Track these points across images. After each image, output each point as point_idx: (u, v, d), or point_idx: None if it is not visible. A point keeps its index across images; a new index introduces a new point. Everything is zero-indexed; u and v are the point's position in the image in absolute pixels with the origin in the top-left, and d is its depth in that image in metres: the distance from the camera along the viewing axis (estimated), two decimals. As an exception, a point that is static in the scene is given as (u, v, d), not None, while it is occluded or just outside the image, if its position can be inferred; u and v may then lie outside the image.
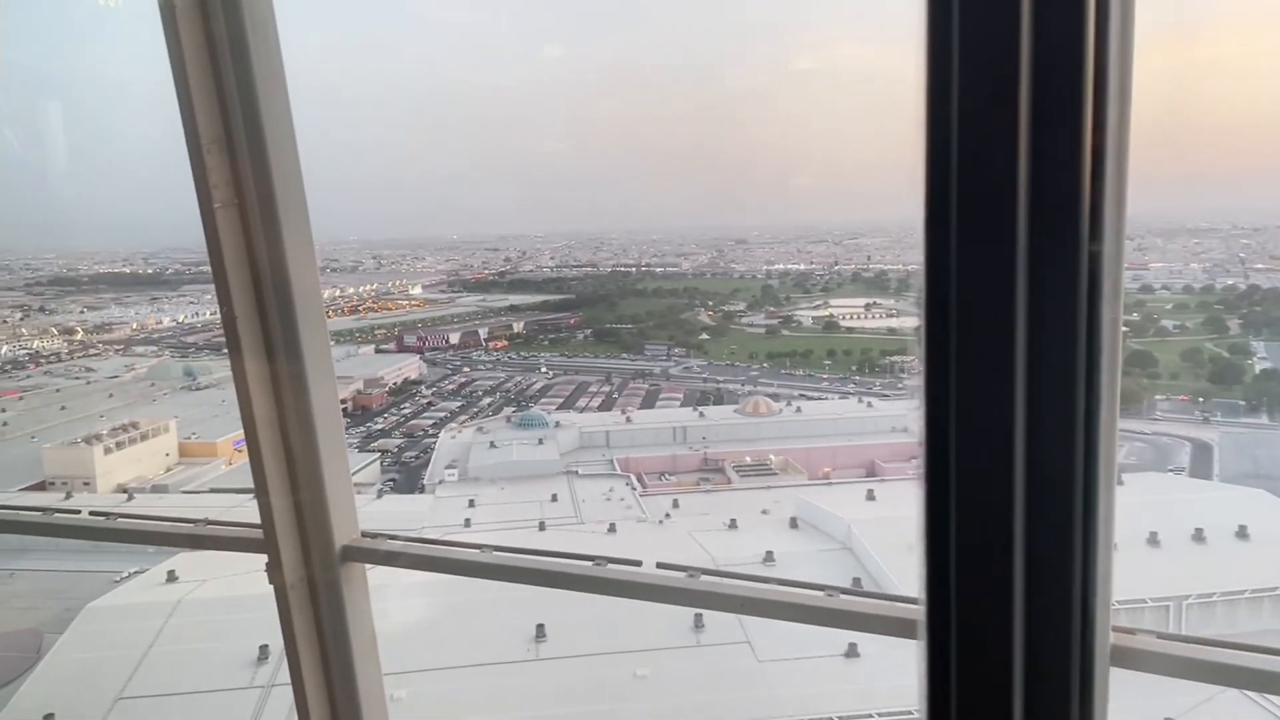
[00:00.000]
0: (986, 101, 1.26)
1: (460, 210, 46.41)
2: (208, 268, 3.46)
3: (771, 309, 35.97)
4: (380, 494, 24.43)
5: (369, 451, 28.32)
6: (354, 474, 3.89)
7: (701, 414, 28.23)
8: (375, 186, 41.38)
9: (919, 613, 2.67)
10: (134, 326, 34.68)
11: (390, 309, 39.13)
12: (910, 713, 9.51)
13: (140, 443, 25.39)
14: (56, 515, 4.40)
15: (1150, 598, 12.44)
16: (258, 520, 3.65)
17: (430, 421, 30.98)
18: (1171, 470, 22.99)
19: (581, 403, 32.35)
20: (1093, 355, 1.28)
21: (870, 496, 19.56)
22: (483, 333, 36.97)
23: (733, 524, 17.67)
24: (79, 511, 4.37)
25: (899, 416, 26.62)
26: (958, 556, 1.40)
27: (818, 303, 35.59)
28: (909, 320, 33.12)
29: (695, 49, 42.37)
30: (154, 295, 36.55)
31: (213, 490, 23.54)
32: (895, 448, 25.10)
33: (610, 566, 3.43)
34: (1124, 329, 1.34)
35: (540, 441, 25.43)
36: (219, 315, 3.49)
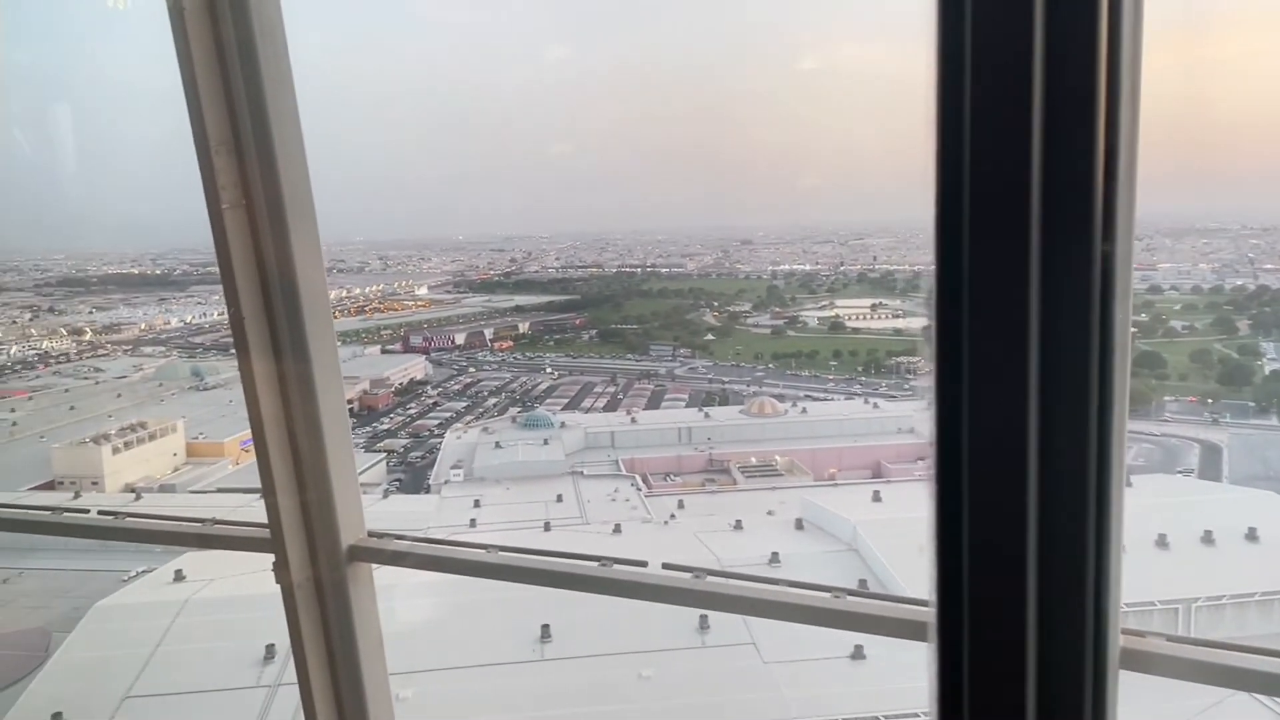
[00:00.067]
0: (999, 100, 1.26)
1: (466, 211, 46.47)
2: (215, 268, 3.48)
3: (777, 309, 35.93)
4: (386, 494, 24.48)
5: (375, 452, 28.37)
6: (360, 474, 3.89)
7: (707, 415, 28.21)
8: (381, 187, 41.45)
9: (929, 615, 2.67)
10: (142, 327, 34.81)
11: (396, 310, 39.19)
12: (917, 715, 9.49)
13: (148, 443, 25.48)
14: (65, 514, 4.42)
15: (1159, 600, 12.40)
16: (265, 520, 3.66)
17: (436, 422, 31.03)
18: (1180, 472, 22.91)
19: (587, 403, 32.37)
20: (1105, 355, 1.28)
21: (876, 498, 19.53)
22: (488, 333, 37.01)
23: (738, 525, 17.65)
24: (88, 511, 4.39)
25: (905, 417, 26.56)
26: (970, 558, 1.39)
27: (823, 303, 35.54)
28: (915, 321, 33.05)
29: (700, 49, 42.37)
30: (162, 296, 36.69)
31: (220, 490, 23.61)
32: (901, 449, 25.05)
33: (616, 567, 3.43)
34: (1132, 329, 1.34)
35: (545, 442, 25.45)
36: (226, 316, 3.51)
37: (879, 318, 33.93)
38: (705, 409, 29.31)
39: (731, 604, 3.31)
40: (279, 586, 3.67)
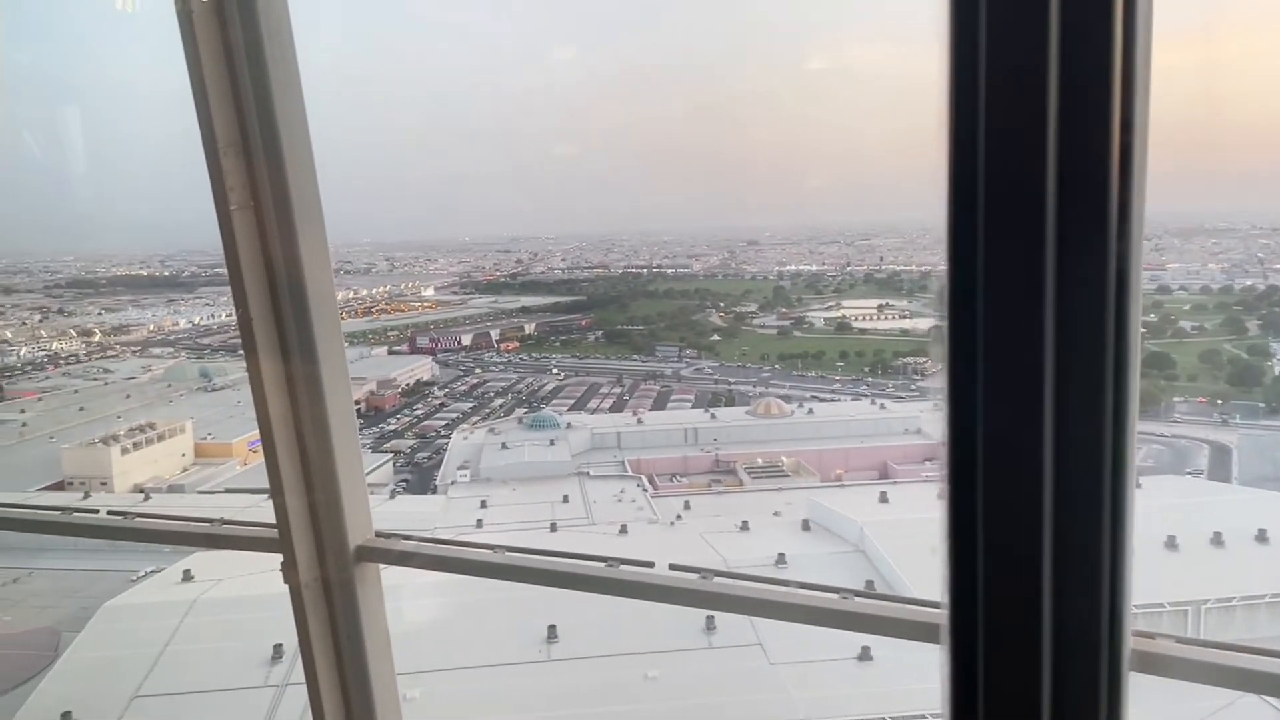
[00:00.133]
0: (1014, 98, 1.25)
1: (472, 212, 46.56)
2: (223, 270, 3.49)
3: (783, 310, 35.91)
4: (393, 494, 24.52)
5: (382, 452, 28.44)
6: (367, 474, 3.90)
7: (713, 415, 28.20)
8: (388, 189, 41.55)
9: (940, 616, 2.67)
10: (151, 328, 34.96)
11: (403, 311, 39.28)
12: (924, 716, 9.46)
13: (157, 443, 25.59)
14: (75, 515, 4.43)
15: (1168, 602, 12.35)
16: (273, 520, 3.67)
17: (443, 422, 31.10)
18: (1190, 473, 22.80)
19: (593, 404, 32.39)
20: (1120, 355, 1.28)
21: (883, 499, 19.48)
22: (495, 334, 37.07)
23: (744, 526, 17.62)
24: (97, 511, 4.41)
25: (912, 418, 26.51)
26: (985, 560, 1.39)
27: (830, 304, 35.50)
28: (922, 321, 32.99)
29: (706, 50, 42.36)
30: (170, 297, 36.85)
31: (228, 490, 23.68)
32: (908, 449, 25.00)
33: (623, 568, 3.43)
34: (1141, 330, 1.33)
35: (552, 443, 25.47)
36: (234, 317, 3.52)
37: (886, 318, 33.88)
38: (711, 410, 29.31)
39: (739, 605, 3.31)
40: (287, 586, 3.68)
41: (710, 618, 11.67)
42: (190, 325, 35.25)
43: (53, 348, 32.74)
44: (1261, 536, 14.39)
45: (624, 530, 18.34)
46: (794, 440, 25.68)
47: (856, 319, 34.20)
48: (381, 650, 3.79)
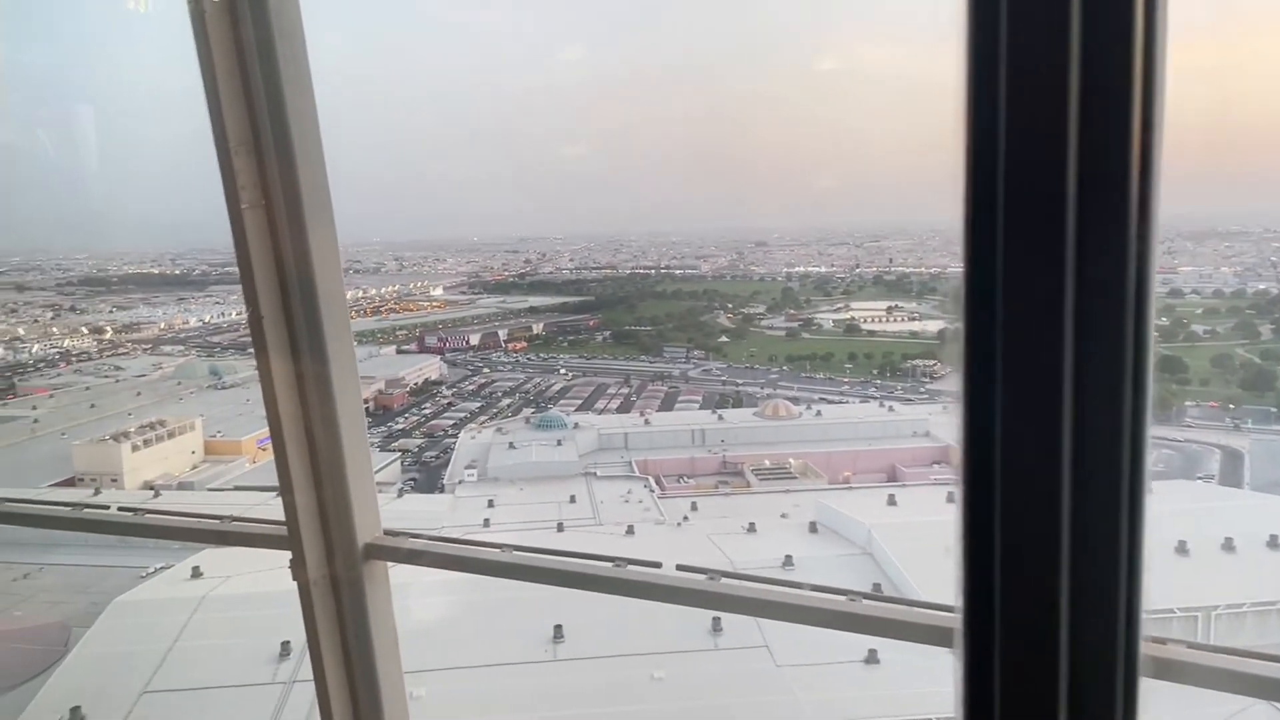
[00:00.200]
0: (1034, 96, 1.24)
1: (481, 212, 46.64)
2: (233, 268, 3.50)
3: (792, 311, 35.86)
4: (401, 493, 24.57)
5: (390, 451, 28.52)
6: (375, 473, 3.91)
7: (720, 417, 28.19)
8: (398, 189, 41.65)
9: (954, 620, 2.66)
10: (162, 326, 35.14)
11: (412, 310, 39.39)
12: (931, 719, 9.43)
13: (167, 440, 25.72)
14: (86, 511, 4.46)
15: (1178, 607, 12.28)
16: (282, 518, 3.68)
17: (450, 422, 31.17)
18: (1201, 478, 22.67)
19: (600, 404, 32.41)
20: (1138, 359, 1.27)
21: (891, 501, 19.44)
22: (502, 334, 37.14)
23: (751, 528, 17.60)
24: (108, 507, 4.43)
25: (920, 421, 26.44)
26: (1002, 563, 1.38)
27: (839, 305, 35.44)
28: (931, 324, 32.89)
29: (715, 51, 42.36)
30: (181, 296, 37.02)
31: (237, 488, 23.77)
32: (917, 452, 24.94)
33: (630, 568, 3.43)
34: (1153, 334, 1.32)
35: (559, 443, 25.50)
36: (244, 316, 3.53)
37: (895, 320, 33.80)
38: (719, 411, 29.29)
39: (748, 606, 3.30)
40: (295, 584, 3.68)
41: (717, 619, 11.66)
42: (201, 323, 35.41)
43: (64, 345, 32.93)
44: (1273, 542, 14.30)
45: (631, 531, 18.34)
46: (802, 442, 25.64)
47: (865, 321, 34.13)
48: (389, 648, 3.79)
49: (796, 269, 38.23)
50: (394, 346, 36.82)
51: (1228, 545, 14.29)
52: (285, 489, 3.59)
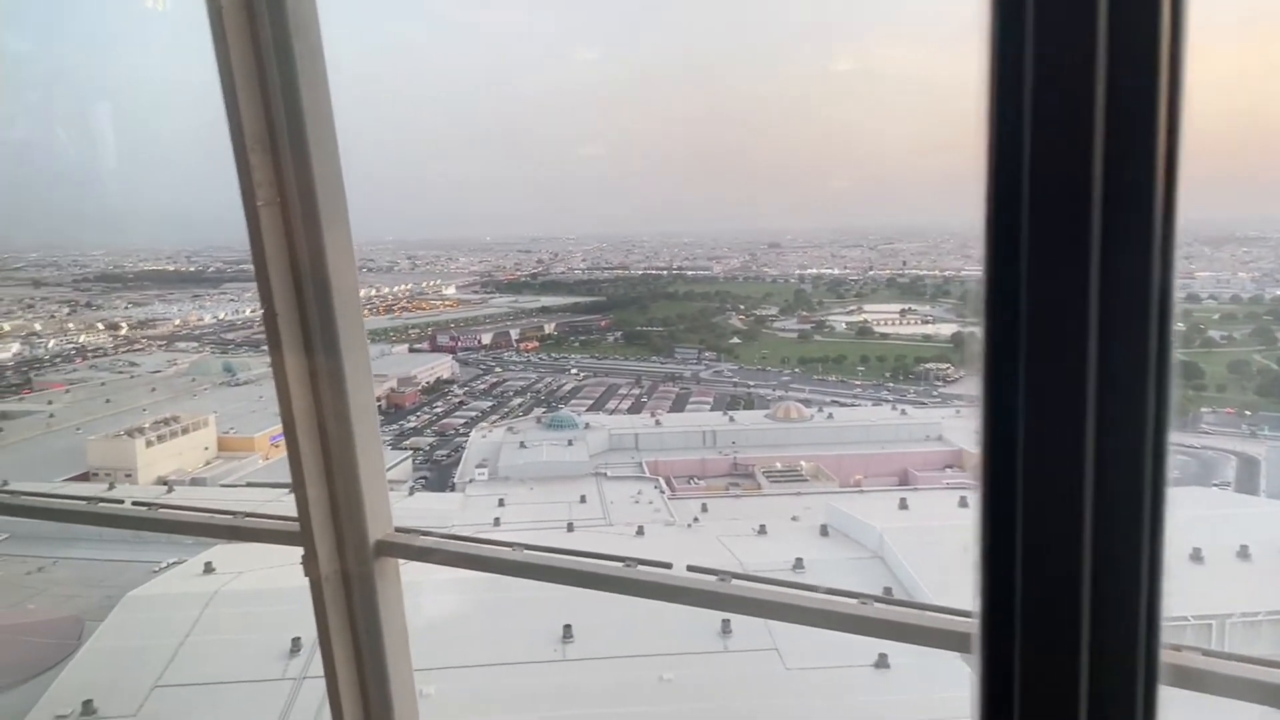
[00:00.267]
0: (1059, 99, 1.23)
1: (494, 212, 46.74)
2: (247, 266, 3.51)
3: (804, 313, 35.80)
4: (412, 491, 24.63)
5: (402, 449, 28.62)
6: (386, 471, 3.92)
7: (732, 418, 28.17)
8: (411, 188, 41.80)
9: (967, 624, 2.64)
10: (176, 323, 35.37)
11: (424, 309, 39.53)
12: (941, 724, 9.38)
13: (180, 436, 25.89)
14: (100, 505, 4.48)
15: (1192, 615, 12.17)
16: (294, 514, 3.70)
17: (462, 421, 31.26)
18: (1216, 485, 22.49)
19: (611, 405, 32.43)
20: (1161, 363, 1.25)
21: (903, 505, 19.35)
22: (514, 334, 37.22)
23: (762, 530, 17.55)
24: (122, 502, 4.46)
25: (933, 424, 26.33)
26: (1024, 568, 1.36)
27: (851, 308, 35.35)
28: (944, 327, 32.77)
29: (730, 53, 42.31)
30: (196, 293, 37.26)
31: (249, 484, 23.89)
32: (929, 456, 24.84)
33: (641, 568, 3.43)
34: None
35: (570, 443, 25.52)
36: (257, 313, 3.54)
37: (908, 323, 33.68)
38: (730, 412, 29.27)
39: (759, 608, 3.29)
40: (306, 580, 3.70)
41: (726, 621, 11.64)
42: (215, 320, 35.62)
43: (80, 340, 33.18)
44: (1289, 550, 14.19)
45: (640, 532, 18.32)
46: (813, 445, 25.57)
47: (878, 323, 34.03)
48: (399, 644, 3.80)
49: (809, 271, 38.16)
50: (406, 345, 36.96)
51: (1243, 553, 14.17)
52: (298, 485, 3.60)
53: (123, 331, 34.12)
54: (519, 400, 33.21)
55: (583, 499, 21.56)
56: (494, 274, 41.88)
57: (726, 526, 19.28)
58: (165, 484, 23.52)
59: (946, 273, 34.81)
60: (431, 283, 41.35)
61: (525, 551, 3.58)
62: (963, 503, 18.05)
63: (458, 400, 33.36)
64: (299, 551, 3.68)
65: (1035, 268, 1.27)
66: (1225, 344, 26.57)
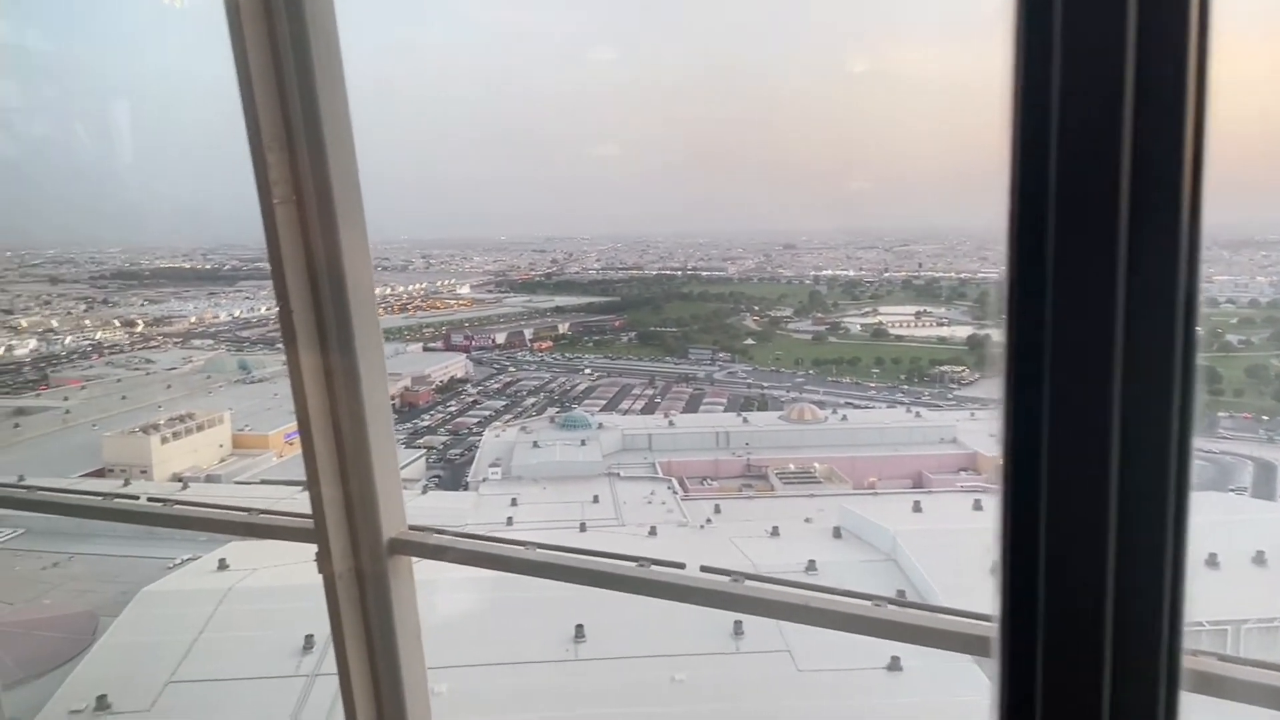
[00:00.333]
0: (1088, 99, 1.22)
1: (509, 211, 46.83)
2: (263, 264, 3.53)
3: (819, 315, 35.68)
4: (425, 490, 24.71)
5: (415, 448, 28.70)
6: (400, 469, 3.92)
7: (745, 419, 28.11)
8: (426, 187, 41.92)
9: (981, 628, 2.62)
10: (192, 320, 35.59)
11: (439, 308, 39.63)
12: (955, 728, 9.33)
13: (195, 433, 26.04)
14: (116, 500, 4.51)
15: (1208, 620, 12.07)
16: (308, 511, 3.71)
17: (475, 420, 31.33)
18: (1233, 490, 22.29)
19: (624, 405, 32.42)
20: (1186, 367, 1.24)
21: (917, 508, 19.26)
22: (528, 333, 37.27)
23: (775, 531, 17.52)
24: (137, 497, 4.48)
25: (948, 427, 26.21)
26: (1046, 572, 1.35)
27: (866, 309, 35.21)
28: (960, 329, 32.59)
29: (746, 52, 42.24)
30: (212, 290, 37.48)
31: (263, 481, 24.01)
32: (943, 459, 24.72)
33: (654, 568, 3.42)
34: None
35: (583, 443, 25.54)
36: (272, 311, 3.55)
37: (923, 325, 33.52)
38: (744, 414, 29.21)
39: (772, 609, 3.28)
40: (319, 577, 3.71)
41: (738, 622, 11.62)
42: (230, 318, 35.83)
43: (97, 337, 33.44)
44: (1307, 557, 14.04)
45: (653, 532, 18.32)
46: (827, 446, 25.49)
47: (893, 325, 33.88)
48: (412, 642, 3.81)
49: (824, 272, 38.02)
50: (420, 344, 37.07)
51: (1259, 559, 14.05)
52: (312, 482, 3.61)
53: (139, 329, 34.37)
54: (532, 400, 33.26)
55: (595, 499, 21.57)
56: (508, 273, 41.94)
57: (739, 528, 19.25)
58: (180, 480, 23.67)
59: (963, 275, 34.64)
60: (446, 282, 41.46)
61: (538, 550, 3.58)
62: (977, 506, 17.96)
63: (471, 399, 33.43)
64: (312, 549, 3.70)
65: (1061, 269, 1.26)
66: (1243, 348, 26.33)
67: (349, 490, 3.65)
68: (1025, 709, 1.41)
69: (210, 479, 24.88)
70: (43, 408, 28.91)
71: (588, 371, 35.39)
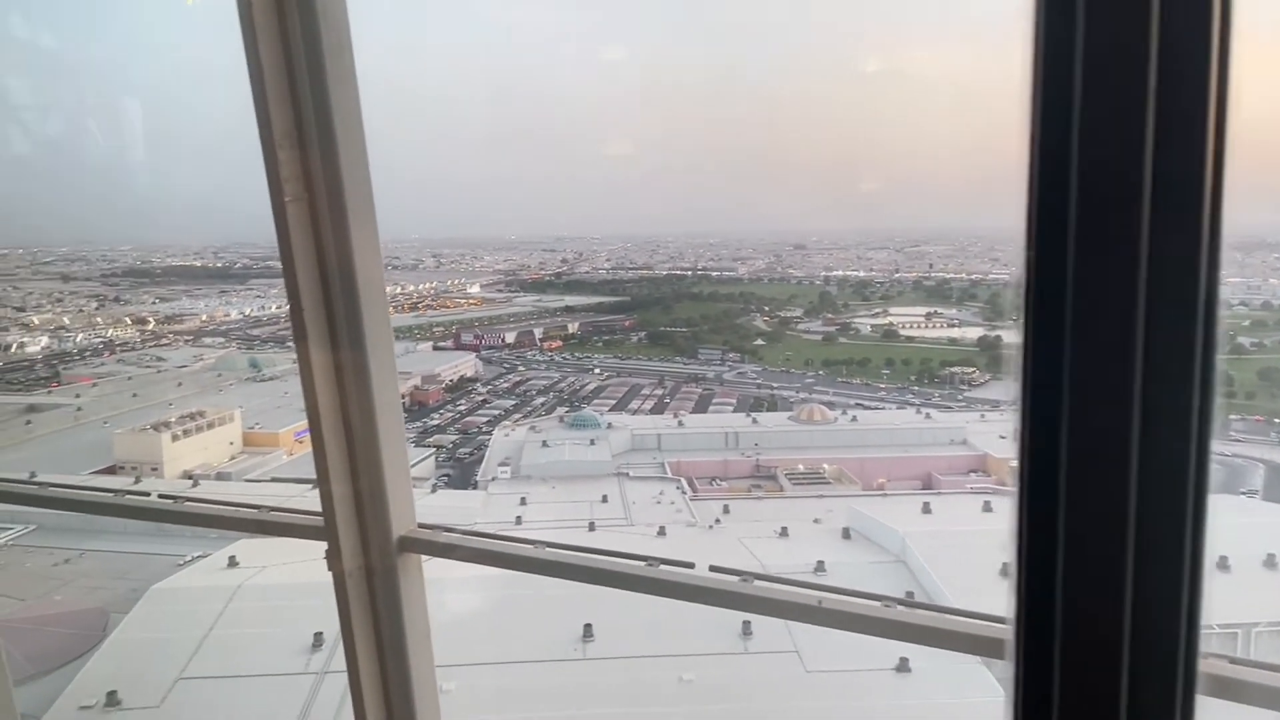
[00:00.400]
0: (1109, 100, 1.21)
1: (519, 211, 46.86)
2: (273, 262, 3.53)
3: (829, 315, 35.58)
4: (435, 488, 24.76)
5: (425, 446, 28.74)
6: (410, 467, 3.93)
7: (755, 420, 28.06)
8: (437, 186, 41.99)
9: (992, 629, 2.60)
10: (203, 318, 35.73)
11: (449, 307, 39.67)
12: (965, 730, 9.29)
13: (206, 431, 26.14)
14: (127, 497, 4.53)
15: (1218, 623, 12.00)
16: (318, 509, 3.72)
17: (485, 419, 31.35)
18: (1244, 493, 22.14)
19: (634, 405, 32.41)
20: (1206, 369, 1.23)
21: (926, 509, 19.20)
22: (538, 333, 37.28)
23: (784, 532, 17.49)
24: (148, 494, 4.50)
25: (958, 429, 26.11)
26: (1064, 574, 1.34)
27: (877, 310, 35.10)
28: (970, 330, 32.47)
29: (758, 52, 42.18)
30: (223, 289, 37.62)
31: (273, 480, 24.09)
32: (953, 460, 24.63)
33: (663, 567, 3.42)
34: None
35: (592, 442, 25.54)
36: (283, 309, 3.56)
37: (934, 326, 33.40)
38: (753, 414, 29.16)
39: (781, 609, 3.27)
40: (329, 575, 3.71)
41: (747, 622, 11.61)
42: (241, 316, 35.95)
43: (108, 335, 33.60)
44: (1319, 560, 13.94)
45: (662, 532, 18.31)
46: (836, 447, 25.42)
47: (904, 326, 33.76)
48: (422, 640, 3.81)
49: (835, 272, 37.91)
50: (430, 343, 37.13)
51: (1270, 562, 13.96)
52: (322, 479, 3.62)
53: (150, 326, 34.53)
54: (542, 399, 33.27)
55: (604, 499, 21.57)
56: (518, 273, 41.96)
57: (748, 528, 19.22)
58: (190, 478, 23.77)
59: (974, 276, 34.50)
60: (456, 281, 41.51)
61: (547, 549, 3.58)
62: (987, 508, 17.90)
63: (481, 398, 33.47)
64: (321, 547, 3.70)
65: (1082, 271, 1.25)
66: (1255, 351, 26.16)
67: (359, 488, 3.65)
68: (1042, 712, 1.39)
69: (220, 476, 24.97)
70: (54, 405, 29.07)
71: (597, 371, 35.38)
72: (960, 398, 29.87)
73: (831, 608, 3.11)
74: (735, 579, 3.31)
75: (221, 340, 34.81)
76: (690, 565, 3.41)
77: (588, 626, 12.02)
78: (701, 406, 31.86)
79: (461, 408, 32.61)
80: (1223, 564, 13.20)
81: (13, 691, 5.23)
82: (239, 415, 27.20)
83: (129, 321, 34.35)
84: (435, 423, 31.30)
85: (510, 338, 37.15)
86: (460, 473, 27.75)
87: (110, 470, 24.23)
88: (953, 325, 33.12)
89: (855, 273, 37.55)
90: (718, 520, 20.21)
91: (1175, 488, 1.27)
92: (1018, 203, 1.30)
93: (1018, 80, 1.26)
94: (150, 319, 34.85)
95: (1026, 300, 1.30)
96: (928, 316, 33.77)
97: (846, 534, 16.97)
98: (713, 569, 3.37)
